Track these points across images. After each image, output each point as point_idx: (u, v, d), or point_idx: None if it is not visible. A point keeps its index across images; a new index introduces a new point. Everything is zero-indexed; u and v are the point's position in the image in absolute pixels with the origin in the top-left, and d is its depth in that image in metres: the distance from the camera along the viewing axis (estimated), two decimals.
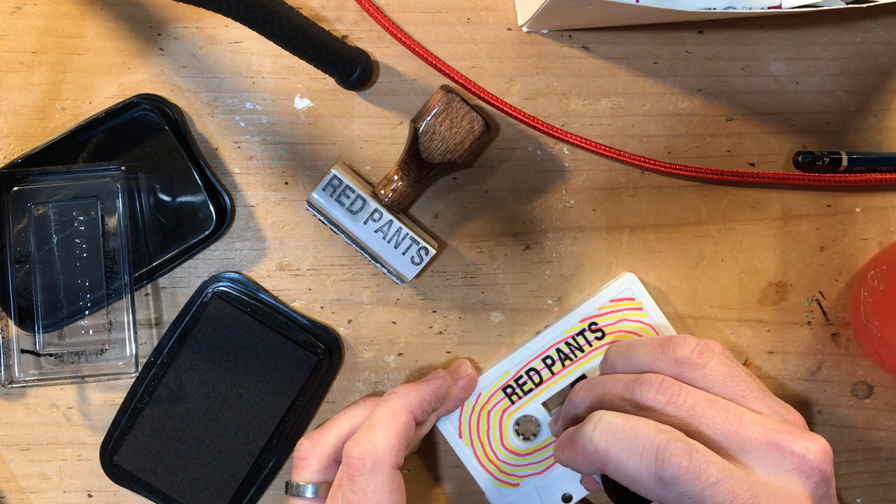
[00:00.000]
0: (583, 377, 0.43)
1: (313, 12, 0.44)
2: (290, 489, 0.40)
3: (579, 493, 0.43)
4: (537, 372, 0.43)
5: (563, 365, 0.43)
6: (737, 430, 0.33)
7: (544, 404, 0.43)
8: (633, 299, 0.43)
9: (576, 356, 0.43)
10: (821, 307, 0.46)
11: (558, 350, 0.43)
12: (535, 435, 0.43)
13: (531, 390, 0.43)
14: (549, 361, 0.43)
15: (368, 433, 0.37)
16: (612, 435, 0.33)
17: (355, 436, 0.37)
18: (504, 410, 0.43)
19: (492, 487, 0.43)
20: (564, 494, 0.43)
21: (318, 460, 0.40)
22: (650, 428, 0.32)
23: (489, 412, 0.43)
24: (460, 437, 0.43)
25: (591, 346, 0.43)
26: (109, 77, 0.43)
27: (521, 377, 0.43)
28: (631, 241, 0.45)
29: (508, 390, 0.43)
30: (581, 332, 0.43)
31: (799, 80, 0.45)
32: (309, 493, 0.39)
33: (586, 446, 0.34)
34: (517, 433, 0.43)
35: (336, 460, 0.40)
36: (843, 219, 0.46)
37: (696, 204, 0.45)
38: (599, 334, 0.43)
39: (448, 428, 0.43)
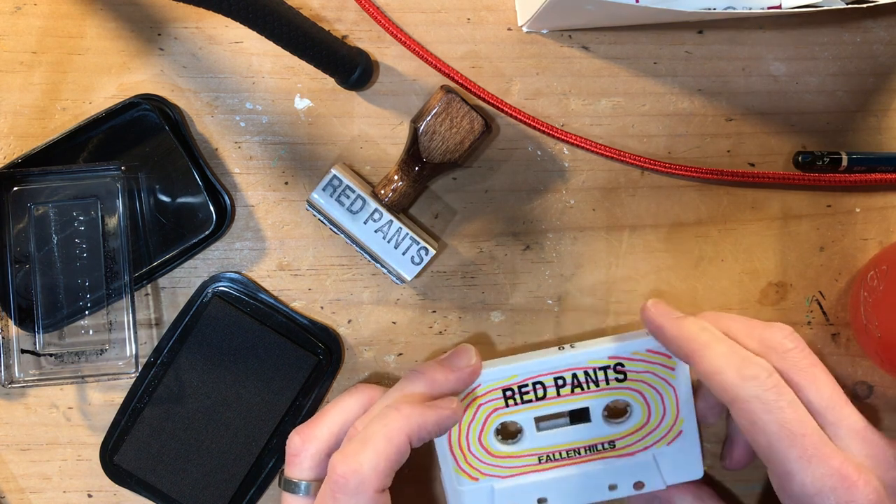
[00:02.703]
0: (586, 409, 0.41)
1: (313, 12, 0.44)
2: (282, 483, 0.39)
3: None
4: (544, 387, 0.41)
5: (573, 391, 0.41)
6: (840, 406, 0.35)
7: (538, 419, 0.42)
8: (669, 357, 0.41)
9: (588, 388, 0.41)
10: (821, 307, 0.46)
11: (574, 375, 0.41)
12: (513, 441, 0.42)
13: (530, 402, 0.41)
14: (560, 382, 0.41)
15: (358, 451, 0.35)
16: (717, 336, 0.37)
17: (345, 449, 0.36)
18: (495, 410, 0.41)
19: (450, 471, 0.42)
20: None
21: (309, 458, 0.39)
22: (752, 351, 0.36)
23: (479, 406, 0.41)
24: None
25: (607, 384, 0.41)
26: (109, 77, 0.43)
27: (525, 386, 0.41)
28: (631, 241, 0.45)
29: (508, 393, 0.41)
30: (604, 368, 0.41)
31: (799, 80, 0.45)
32: (301, 490, 0.39)
33: (690, 330, 0.37)
34: (497, 432, 0.42)
35: (329, 455, 0.39)
36: (843, 219, 0.46)
37: (696, 204, 0.45)
38: (622, 377, 0.41)
39: None
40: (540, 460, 0.42)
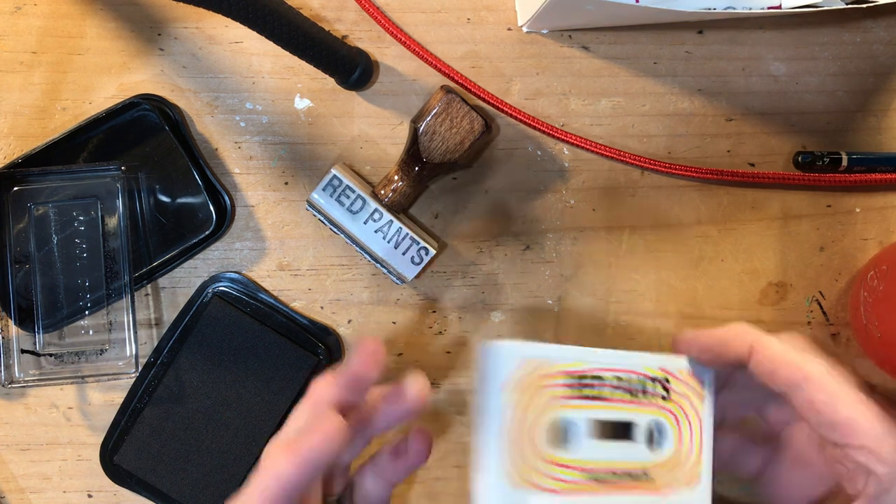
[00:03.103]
0: (629, 426, 0.38)
1: (313, 12, 0.44)
2: None
3: None
4: (602, 383, 0.37)
5: (625, 397, 0.38)
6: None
7: (597, 423, 0.37)
8: (701, 383, 0.39)
9: (634, 397, 0.38)
10: (821, 307, 0.46)
11: (630, 378, 0.38)
12: (560, 446, 0.36)
13: (588, 398, 0.37)
14: (617, 382, 0.37)
15: None
16: (763, 334, 0.37)
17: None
18: (559, 397, 0.36)
19: (496, 467, 0.35)
20: None
21: None
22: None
23: (545, 387, 0.36)
24: (504, 388, 0.35)
25: (653, 398, 0.38)
26: (109, 77, 0.43)
27: (586, 377, 0.37)
28: (631, 241, 0.45)
29: (572, 381, 0.36)
30: (654, 379, 0.38)
31: (799, 80, 0.45)
32: None
33: (739, 328, 0.37)
34: (547, 431, 0.36)
35: None
36: (843, 219, 0.46)
37: (696, 204, 0.45)
38: (665, 394, 0.38)
39: (502, 365, 0.35)
40: (587, 478, 0.37)
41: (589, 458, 0.37)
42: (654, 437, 0.38)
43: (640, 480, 0.38)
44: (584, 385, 0.37)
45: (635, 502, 0.37)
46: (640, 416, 0.38)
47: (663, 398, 0.38)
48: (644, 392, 0.38)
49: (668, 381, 0.38)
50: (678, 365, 0.39)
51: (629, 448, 0.37)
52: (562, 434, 0.37)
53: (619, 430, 0.38)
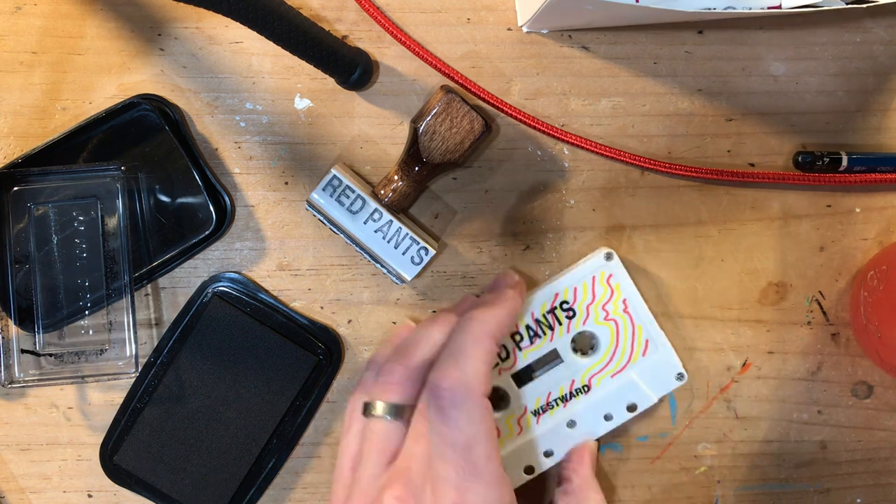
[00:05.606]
0: (554, 352, 0.43)
1: (313, 12, 0.44)
2: (374, 411, 0.37)
3: (543, 464, 0.43)
4: (505, 349, 0.43)
5: (532, 342, 0.43)
6: None
7: (514, 377, 0.43)
8: (609, 278, 0.43)
9: (546, 333, 0.43)
10: (821, 307, 0.46)
11: (528, 327, 0.43)
12: (501, 408, 0.43)
13: (497, 365, 0.43)
14: (518, 338, 0.43)
15: (455, 363, 0.36)
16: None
17: (441, 366, 0.36)
18: None
19: None
20: (526, 466, 0.43)
21: (410, 384, 0.38)
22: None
23: None
24: None
25: (561, 323, 0.43)
26: (109, 77, 0.43)
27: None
28: (631, 241, 0.45)
29: None
30: (552, 311, 0.43)
31: (799, 80, 0.45)
32: (397, 414, 0.37)
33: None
34: None
35: (418, 381, 0.38)
36: (843, 219, 0.46)
37: (696, 204, 0.45)
38: (571, 313, 0.43)
39: None
40: (532, 413, 0.43)
41: (527, 400, 0.43)
42: (587, 351, 0.43)
43: (585, 392, 0.43)
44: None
45: (587, 403, 0.43)
46: (560, 340, 0.43)
47: (570, 317, 0.43)
48: (549, 326, 0.43)
49: (566, 302, 0.43)
50: (571, 282, 0.43)
51: (564, 369, 0.43)
52: (499, 399, 0.43)
53: (548, 361, 0.44)
